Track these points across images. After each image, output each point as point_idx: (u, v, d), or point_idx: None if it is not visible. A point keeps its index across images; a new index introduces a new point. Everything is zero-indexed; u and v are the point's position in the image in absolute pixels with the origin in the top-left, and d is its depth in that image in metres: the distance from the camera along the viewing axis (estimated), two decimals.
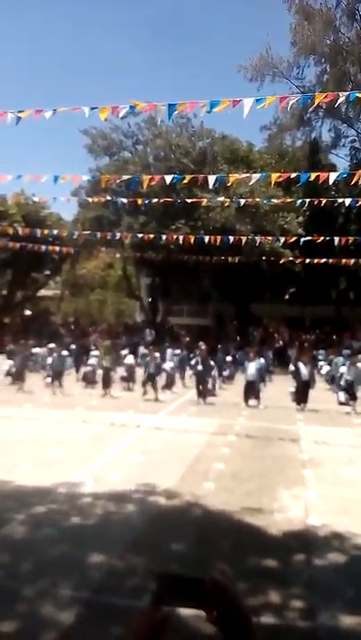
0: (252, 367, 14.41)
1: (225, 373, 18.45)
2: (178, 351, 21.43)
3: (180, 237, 22.48)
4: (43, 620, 4.08)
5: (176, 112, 10.46)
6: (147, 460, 8.44)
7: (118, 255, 32.39)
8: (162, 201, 19.04)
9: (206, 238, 21.78)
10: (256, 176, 14.29)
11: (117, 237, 23.34)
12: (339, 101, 10.83)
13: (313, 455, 9.01)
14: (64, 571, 4.76)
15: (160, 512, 6.29)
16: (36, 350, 19.39)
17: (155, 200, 19.29)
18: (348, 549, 5.44)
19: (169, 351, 19.93)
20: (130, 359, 17.63)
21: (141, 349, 21.03)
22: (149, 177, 15.12)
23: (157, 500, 6.61)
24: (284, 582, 4.74)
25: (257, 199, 20.43)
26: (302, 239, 20.06)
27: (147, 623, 1.02)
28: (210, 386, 15.23)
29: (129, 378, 17.01)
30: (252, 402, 14.13)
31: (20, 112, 9.59)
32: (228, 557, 5.18)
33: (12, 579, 4.60)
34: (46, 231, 21.73)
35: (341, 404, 14.06)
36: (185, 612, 1.15)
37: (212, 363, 15.90)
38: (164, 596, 1.05)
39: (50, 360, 16.18)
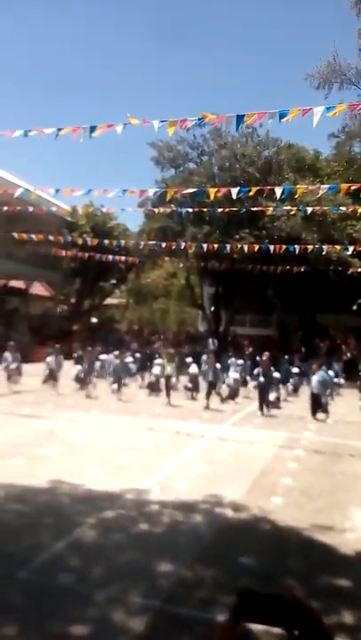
0: (316, 379, 14.04)
1: (290, 385, 18.06)
2: (240, 361, 21.26)
3: (245, 247, 22.41)
4: (114, 627, 4.13)
5: (245, 123, 10.49)
6: (212, 471, 8.39)
7: (182, 265, 32.71)
8: (226, 211, 19.07)
9: (271, 247, 21.60)
10: (325, 187, 13.99)
11: (182, 247, 23.59)
12: None
13: None
14: (134, 577, 4.80)
15: (228, 524, 6.22)
16: (102, 357, 19.86)
17: (219, 210, 19.36)
18: None
19: (231, 361, 19.80)
20: (194, 368, 17.67)
21: (204, 359, 21.00)
22: (216, 189, 15.18)
23: (225, 512, 6.55)
24: (357, 603, 4.55)
25: (324, 207, 19.97)
26: None
27: (227, 638, 1.00)
28: (274, 398, 14.96)
29: (193, 387, 17.05)
30: (320, 415, 13.75)
31: (92, 127, 9.96)
32: (298, 574, 5.04)
33: (84, 583, 4.70)
34: (113, 241, 22.37)
35: None
36: (264, 628, 1.13)
37: (275, 374, 15.65)
38: (244, 612, 1.03)
39: (116, 367, 16.51)
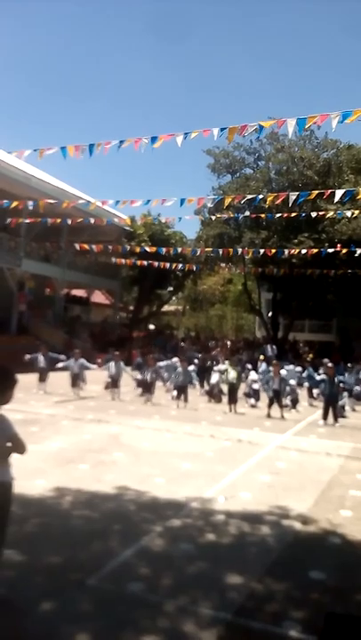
0: None
1: (355, 393, 17.49)
2: (299, 368, 20.84)
3: (303, 251, 22.02)
4: (185, 638, 4.11)
5: (307, 126, 10.31)
6: (277, 481, 8.23)
7: (239, 271, 32.54)
8: (284, 215, 18.82)
9: (331, 251, 21.08)
10: None
11: (239, 253, 23.50)
12: None
13: None
14: (203, 588, 4.77)
15: (296, 537, 6.07)
16: (162, 363, 20.04)
17: (277, 215, 19.12)
18: None
19: (290, 367, 19.46)
20: (253, 375, 17.49)
21: (263, 366, 20.77)
22: (273, 195, 15.01)
23: (292, 525, 6.39)
24: None
25: None
26: None
27: None
28: (339, 406, 14.51)
29: (252, 394, 16.87)
30: None
31: (153, 138, 10.12)
32: None
33: (154, 592, 4.71)
34: (170, 250, 22.62)
35: None
36: None
37: (340, 382, 15.19)
38: (332, 635, 0.99)
39: (176, 374, 16.59)
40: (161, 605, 4.49)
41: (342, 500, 7.42)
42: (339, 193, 13.91)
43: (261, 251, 22.22)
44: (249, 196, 15.74)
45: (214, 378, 17.65)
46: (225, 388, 16.28)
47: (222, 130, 9.90)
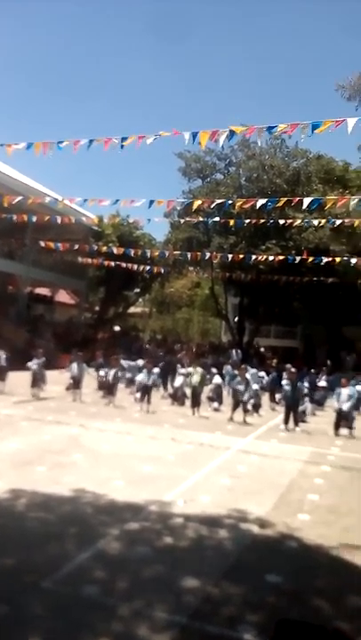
0: (344, 394, 13.77)
1: (315, 399, 17.76)
2: (262, 373, 21.04)
3: (271, 257, 22.28)
4: None
5: (277, 134, 10.42)
6: (237, 485, 8.25)
7: (206, 275, 32.69)
8: (253, 222, 18.99)
9: (298, 259, 21.41)
10: (355, 198, 13.81)
11: (207, 257, 23.59)
12: None
13: None
14: (159, 592, 4.71)
15: (254, 541, 6.08)
16: (124, 363, 19.90)
17: (246, 221, 19.29)
18: None
19: (253, 372, 19.62)
20: (217, 379, 17.55)
21: (228, 369, 20.87)
22: (243, 201, 15.13)
23: (250, 528, 6.41)
24: None
25: (354, 219, 19.73)
26: None
27: None
28: (300, 411, 14.70)
29: (216, 398, 16.92)
30: (343, 431, 13.46)
31: (123, 138, 10.03)
32: (326, 594, 4.88)
33: (108, 596, 4.63)
34: (138, 251, 22.52)
35: None
36: None
37: (302, 387, 15.40)
38: None
39: (140, 376, 16.49)
40: (116, 609, 4.41)
41: (300, 504, 7.49)
42: (306, 201, 14.13)
43: (229, 256, 22.37)
44: (218, 201, 15.81)
45: (178, 381, 17.62)
46: (189, 391, 16.26)
47: (194, 134, 9.91)
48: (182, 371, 18.96)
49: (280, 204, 14.45)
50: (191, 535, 6.07)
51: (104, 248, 23.41)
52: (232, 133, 10.31)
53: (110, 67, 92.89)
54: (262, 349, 34.70)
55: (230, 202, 15.80)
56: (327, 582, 5.18)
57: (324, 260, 20.21)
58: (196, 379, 15.58)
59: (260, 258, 22.36)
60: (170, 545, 5.77)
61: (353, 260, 20.26)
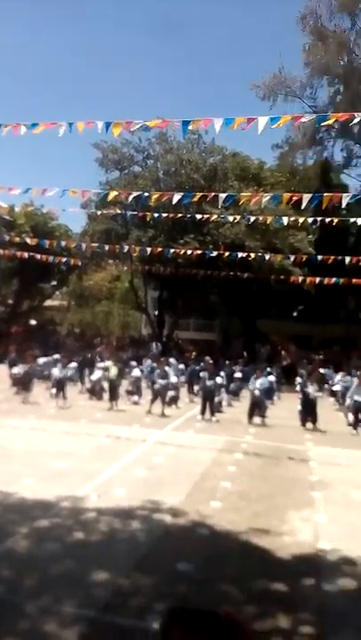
0: (256, 384, 14.27)
1: (231, 389, 18.26)
2: (182, 366, 21.32)
3: (189, 252, 22.55)
4: (45, 638, 3.96)
5: (190, 129, 10.51)
6: (152, 476, 8.29)
7: (126, 268, 32.48)
8: (171, 216, 19.09)
9: (215, 253, 21.83)
10: (267, 196, 14.28)
11: (125, 250, 23.41)
12: (354, 122, 10.91)
13: (322, 477, 8.83)
14: (68, 587, 4.63)
15: (166, 531, 6.15)
16: (41, 360, 19.33)
17: (164, 215, 19.35)
18: (359, 575, 5.28)
19: (173, 364, 19.80)
20: (136, 372, 17.52)
21: (147, 363, 20.91)
22: (159, 193, 15.15)
23: (163, 519, 6.47)
24: (293, 607, 4.59)
25: (268, 217, 20.43)
26: (313, 258, 20.07)
27: None
28: (216, 402, 15.04)
29: (135, 391, 16.90)
30: (257, 419, 13.96)
31: (33, 125, 9.66)
32: (235, 579, 5.03)
33: (15, 594, 4.48)
34: (54, 242, 21.86)
35: (350, 425, 13.85)
36: None
37: (218, 378, 15.77)
38: (175, 630, 0.97)
39: (55, 371, 16.08)
40: (22, 607, 4.28)
41: (213, 492, 7.66)
42: (221, 197, 14.40)
43: (148, 249, 22.35)
44: (135, 193, 15.70)
45: (96, 375, 17.38)
46: (107, 385, 16.09)
47: (107, 124, 9.76)
48: (100, 364, 18.72)
49: (196, 198, 14.63)
50: (103, 529, 6.02)
51: (17, 238, 22.48)
52: (146, 126, 10.30)
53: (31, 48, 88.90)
54: (180, 341, 35.12)
55: (147, 194, 15.75)
56: (236, 568, 5.33)
57: (240, 255, 20.74)
58: (113, 372, 15.46)
59: (178, 252, 22.52)
60: (81, 540, 5.69)
61: (267, 256, 20.96)
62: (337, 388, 17.79)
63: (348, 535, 6.21)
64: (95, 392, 16.97)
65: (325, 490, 8.06)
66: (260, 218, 20.72)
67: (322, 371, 19.73)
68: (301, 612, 4.54)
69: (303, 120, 10.95)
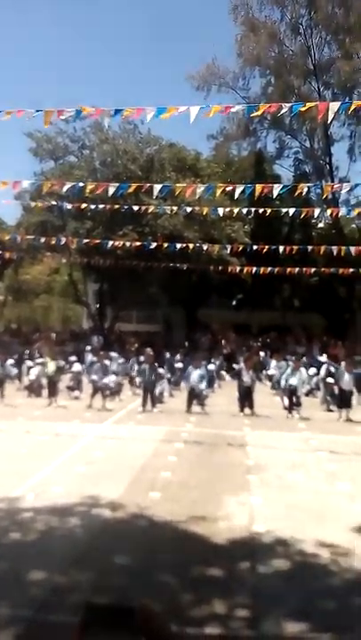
0: (195, 374, 14.46)
1: (173, 380, 18.39)
2: (121, 360, 21.22)
3: (128, 243, 22.41)
4: None
5: (123, 117, 10.42)
6: (92, 471, 8.25)
7: (64, 260, 31.83)
8: (108, 207, 18.89)
9: (153, 245, 21.83)
10: (202, 187, 14.41)
11: (63, 243, 22.95)
12: (282, 112, 11.16)
13: (258, 461, 9.10)
14: (3, 589, 4.55)
15: (104, 525, 6.14)
16: None
17: (101, 206, 19.10)
18: (293, 555, 5.49)
19: (114, 357, 19.70)
20: (77, 367, 17.29)
21: (89, 357, 20.67)
22: (94, 184, 14.94)
23: (101, 513, 6.46)
24: (228, 591, 4.72)
25: (204, 207, 20.61)
26: (249, 247, 20.47)
27: None
28: (157, 393, 15.12)
29: (76, 386, 16.67)
30: (196, 408, 14.16)
31: None
32: (172, 568, 5.11)
33: None
34: None
35: (286, 408, 14.31)
36: None
37: (159, 369, 15.85)
38: (90, 627, 0.98)
39: None
40: None
41: (153, 483, 7.72)
42: (157, 187, 14.39)
43: (86, 241, 22.01)
44: (69, 184, 15.38)
45: (34, 371, 17.00)
46: (45, 381, 15.79)
47: (37, 112, 9.50)
48: (39, 360, 18.32)
49: (132, 189, 14.53)
50: (40, 528, 5.94)
51: None
52: (78, 113, 10.11)
53: None
54: (119, 331, 34.93)
55: (81, 184, 15.47)
56: (173, 557, 5.41)
57: (179, 246, 20.84)
58: (51, 368, 15.20)
59: (117, 243, 22.33)
60: (16, 540, 5.59)
61: (205, 247, 21.19)
62: (273, 373, 18.34)
63: (282, 516, 6.44)
64: (34, 389, 16.61)
65: (261, 473, 8.31)
66: (198, 208, 20.89)
67: (260, 356, 20.26)
68: (236, 596, 4.68)
69: (233, 110, 11.11)
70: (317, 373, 16.81)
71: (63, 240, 22.53)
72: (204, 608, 4.45)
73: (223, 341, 27.89)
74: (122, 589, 4.68)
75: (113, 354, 20.46)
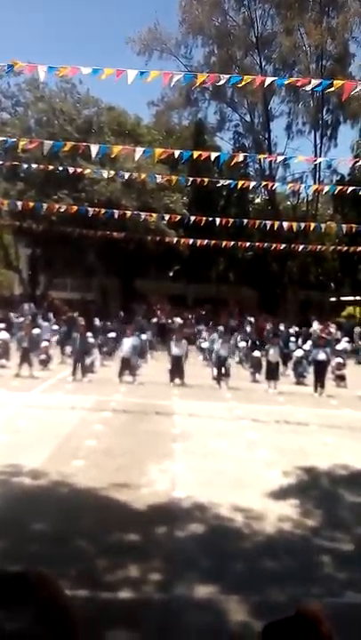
0: (127, 343, 14.43)
1: (105, 349, 18.26)
2: (56, 327, 20.80)
3: (63, 208, 21.67)
4: None
5: (58, 75, 9.92)
6: (15, 440, 8.10)
7: None
8: (42, 167, 18.11)
9: (90, 211, 21.23)
10: (140, 150, 14.08)
11: None
12: (221, 83, 11.04)
13: (184, 429, 9.28)
14: None
15: (23, 493, 6.07)
16: None
17: (34, 165, 18.29)
18: (209, 520, 5.68)
19: (45, 325, 19.27)
20: (4, 335, 16.76)
21: (18, 323, 20.08)
22: (27, 140, 14.24)
23: (22, 481, 6.37)
24: (143, 556, 4.83)
25: (142, 175, 20.23)
26: (186, 219, 20.39)
27: None
28: (89, 362, 14.98)
29: (2, 354, 16.18)
30: (127, 378, 14.18)
31: None
32: (90, 534, 5.15)
33: None
34: None
35: (215, 379, 14.62)
36: None
37: (90, 339, 15.67)
38: None
39: None
40: None
41: (77, 451, 7.70)
42: (94, 148, 13.90)
43: (18, 203, 21.07)
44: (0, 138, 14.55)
45: None
46: None
47: None
48: None
49: (67, 148, 13.97)
50: None
51: None
52: (10, 67, 9.52)
53: None
54: (67, 303, 34.17)
55: (13, 140, 14.68)
56: (92, 523, 5.44)
57: (116, 213, 20.42)
58: None
59: (51, 208, 21.55)
60: None
61: (142, 216, 20.88)
62: (204, 344, 18.65)
63: (203, 482, 6.63)
64: None
65: (185, 441, 8.50)
66: (136, 175, 20.46)
67: (190, 329, 20.50)
68: (151, 561, 4.79)
69: (171, 78, 10.85)
70: (247, 346, 17.28)
71: None
72: (118, 573, 4.53)
73: (158, 312, 27.95)
74: (36, 556, 4.67)
75: (44, 322, 20.00)
